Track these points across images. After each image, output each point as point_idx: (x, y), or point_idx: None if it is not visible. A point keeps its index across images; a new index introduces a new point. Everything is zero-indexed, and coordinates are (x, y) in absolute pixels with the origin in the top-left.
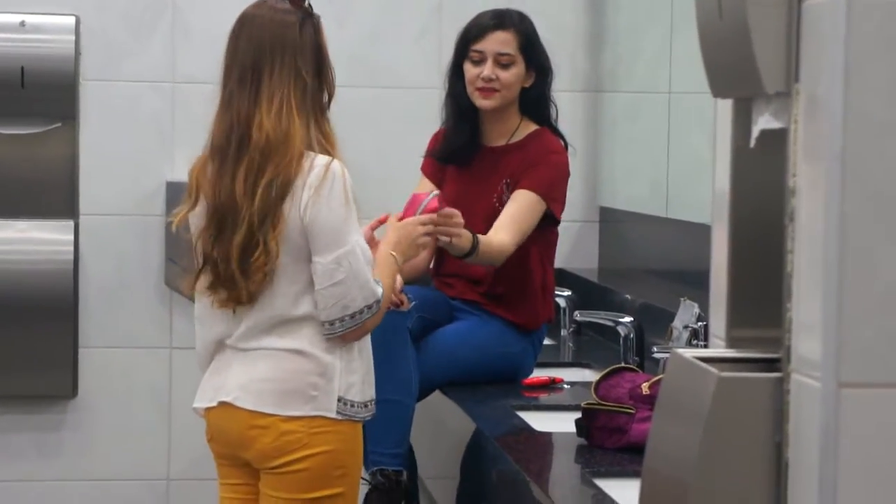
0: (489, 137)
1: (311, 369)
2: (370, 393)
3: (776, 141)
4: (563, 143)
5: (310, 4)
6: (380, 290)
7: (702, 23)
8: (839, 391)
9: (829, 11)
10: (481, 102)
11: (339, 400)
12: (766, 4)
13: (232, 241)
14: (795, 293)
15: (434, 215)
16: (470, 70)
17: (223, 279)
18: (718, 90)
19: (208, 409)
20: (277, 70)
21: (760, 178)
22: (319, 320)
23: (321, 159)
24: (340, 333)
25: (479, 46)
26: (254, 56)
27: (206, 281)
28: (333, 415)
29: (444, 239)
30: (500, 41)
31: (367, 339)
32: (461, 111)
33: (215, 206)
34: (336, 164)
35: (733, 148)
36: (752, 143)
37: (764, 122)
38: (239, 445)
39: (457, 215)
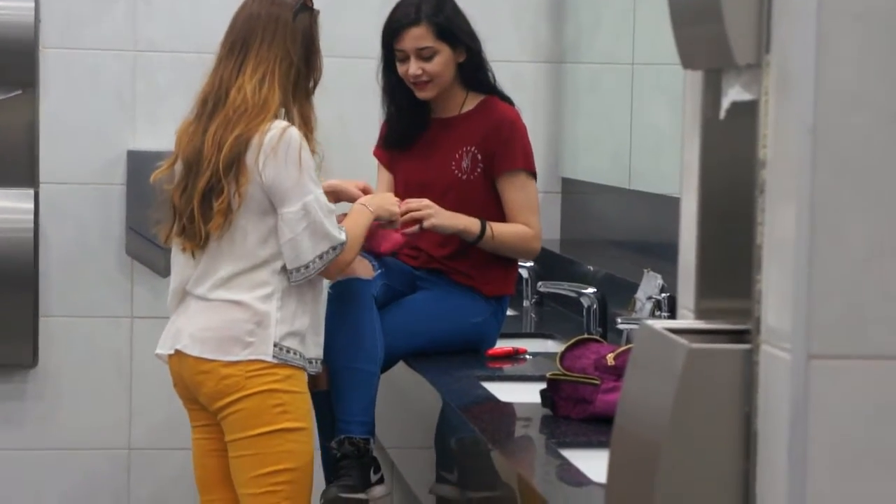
0: (438, 111)
1: (247, 318)
2: (315, 352)
3: (746, 112)
4: (511, 104)
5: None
6: (343, 235)
7: None
8: (809, 363)
9: None
10: (420, 95)
11: (275, 345)
12: None
13: (196, 187)
14: (766, 265)
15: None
16: (400, 67)
17: (185, 222)
18: (688, 62)
19: (169, 357)
20: (266, 45)
21: (730, 149)
22: (274, 270)
23: (279, 123)
24: (302, 280)
25: (399, 46)
26: (246, 30)
27: (175, 229)
28: (270, 358)
29: (412, 228)
30: (415, 37)
31: (321, 302)
32: (400, 101)
33: (186, 158)
34: (293, 129)
35: (703, 119)
36: (722, 114)
37: (734, 93)
38: (193, 389)
39: (416, 201)
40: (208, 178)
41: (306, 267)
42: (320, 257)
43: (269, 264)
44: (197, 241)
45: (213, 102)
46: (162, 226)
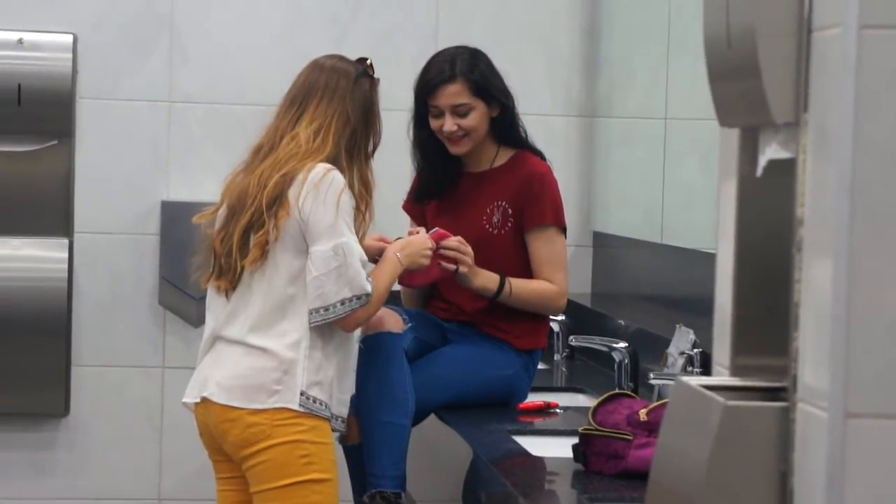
0: (469, 166)
1: (273, 366)
2: (338, 409)
3: (783, 170)
4: (543, 159)
5: (371, 66)
6: (369, 287)
7: (710, 52)
8: (846, 421)
9: (839, 42)
10: (454, 150)
11: (301, 394)
12: (775, 35)
13: (237, 225)
14: (803, 323)
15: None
16: (433, 122)
17: (222, 262)
18: (725, 119)
19: (195, 405)
20: (326, 102)
21: (767, 207)
22: (301, 318)
23: (326, 164)
24: (320, 322)
25: (434, 102)
26: (308, 89)
27: (213, 273)
28: (296, 407)
29: (450, 266)
30: (451, 94)
31: (348, 357)
32: (431, 156)
33: (231, 204)
34: (337, 173)
35: (739, 176)
36: (759, 172)
37: (772, 151)
38: (219, 437)
39: (466, 245)
40: (251, 215)
41: (326, 309)
42: (342, 303)
43: (295, 308)
44: (231, 278)
45: (266, 150)
46: (202, 271)
